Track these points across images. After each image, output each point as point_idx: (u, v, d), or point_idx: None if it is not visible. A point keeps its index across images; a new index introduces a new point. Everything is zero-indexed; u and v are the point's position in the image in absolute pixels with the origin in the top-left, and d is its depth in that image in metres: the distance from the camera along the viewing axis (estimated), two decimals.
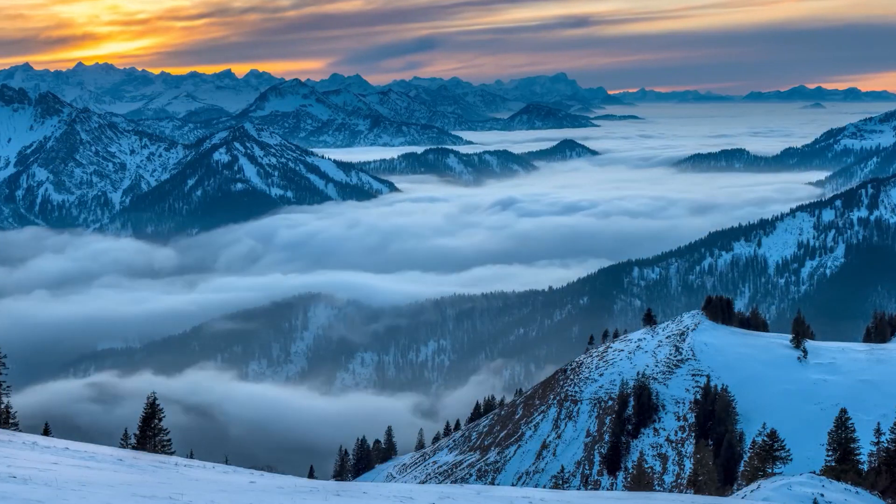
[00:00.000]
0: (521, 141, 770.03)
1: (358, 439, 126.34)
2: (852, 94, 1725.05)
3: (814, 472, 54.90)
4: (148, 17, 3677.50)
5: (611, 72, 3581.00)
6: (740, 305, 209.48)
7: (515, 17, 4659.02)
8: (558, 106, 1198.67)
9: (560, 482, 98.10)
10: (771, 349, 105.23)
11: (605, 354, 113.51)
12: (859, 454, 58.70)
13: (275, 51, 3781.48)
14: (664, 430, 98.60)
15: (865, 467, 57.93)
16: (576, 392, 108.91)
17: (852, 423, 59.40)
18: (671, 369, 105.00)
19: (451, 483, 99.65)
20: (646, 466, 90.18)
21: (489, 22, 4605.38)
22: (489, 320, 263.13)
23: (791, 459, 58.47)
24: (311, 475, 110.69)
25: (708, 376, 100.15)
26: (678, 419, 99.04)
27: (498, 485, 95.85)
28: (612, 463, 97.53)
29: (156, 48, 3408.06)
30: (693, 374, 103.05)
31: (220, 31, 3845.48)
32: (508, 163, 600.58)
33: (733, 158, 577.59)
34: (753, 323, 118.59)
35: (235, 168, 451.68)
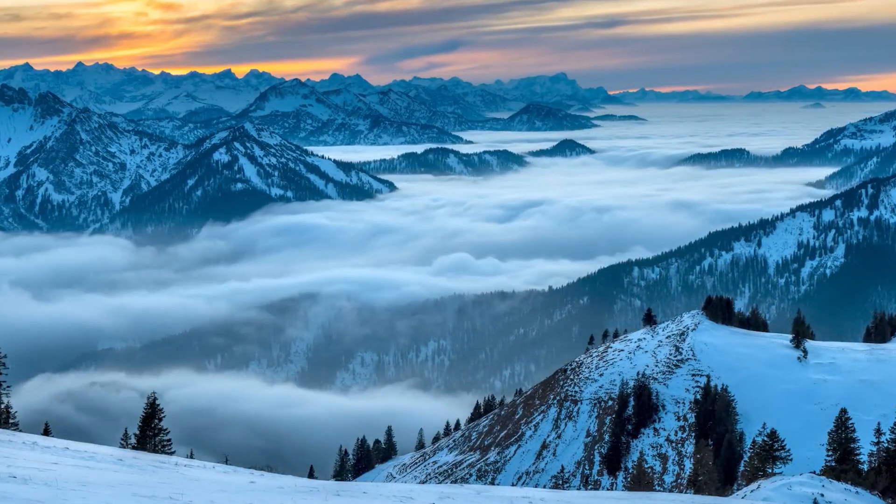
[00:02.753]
0: (521, 141, 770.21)
1: (358, 439, 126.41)
2: (852, 94, 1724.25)
3: (814, 472, 54.91)
4: (198, 15, 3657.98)
5: (611, 72, 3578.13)
6: (740, 305, 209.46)
7: (566, 16, 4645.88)
8: (558, 106, 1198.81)
9: (560, 482, 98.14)
10: (771, 349, 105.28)
11: (605, 354, 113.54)
12: (859, 454, 58.74)
13: (302, 51, 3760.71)
14: (664, 430, 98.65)
15: (865, 467, 57.95)
16: (576, 392, 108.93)
17: (852, 423, 59.43)
18: (671, 369, 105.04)
19: (451, 483, 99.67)
20: (646, 466, 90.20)
21: (536, 20, 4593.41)
22: (489, 320, 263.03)
23: (791, 459, 58.48)
24: (311, 475, 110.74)
25: (708, 376, 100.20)
26: (678, 419, 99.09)
27: (498, 485, 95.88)
28: (612, 463, 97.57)
29: (186, 48, 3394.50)
30: (693, 374, 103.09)
31: (258, 31, 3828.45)
32: (508, 162, 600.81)
33: (733, 158, 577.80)
34: (753, 323, 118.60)
35: (235, 168, 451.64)
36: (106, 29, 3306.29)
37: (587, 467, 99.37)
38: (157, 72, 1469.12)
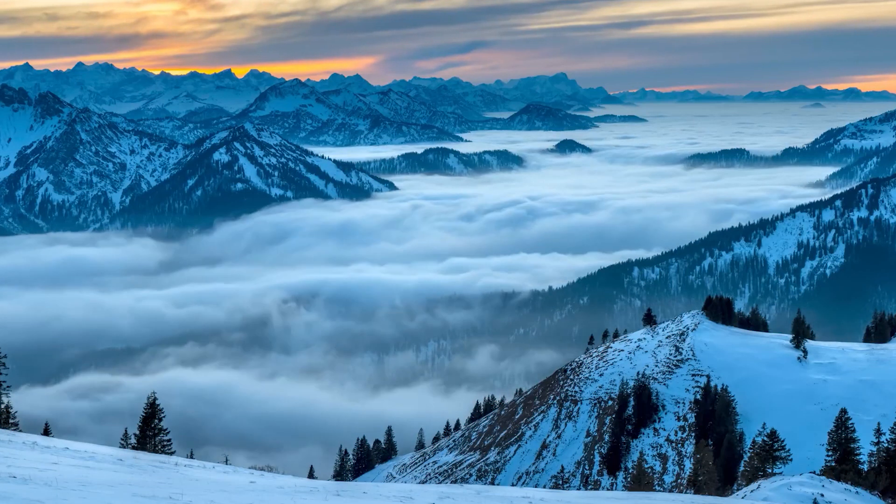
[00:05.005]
0: (521, 141, 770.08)
1: (358, 439, 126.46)
2: (852, 95, 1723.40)
3: (814, 472, 54.94)
4: (237, 14, 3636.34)
5: (611, 72, 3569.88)
6: (740, 305, 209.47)
7: (603, 15, 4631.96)
8: (558, 106, 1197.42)
9: (560, 482, 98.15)
10: (771, 349, 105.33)
11: (605, 354, 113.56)
12: (859, 454, 58.75)
13: (330, 51, 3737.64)
14: (664, 430, 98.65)
15: (865, 467, 57.97)
16: (576, 392, 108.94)
17: (852, 423, 59.45)
18: (671, 369, 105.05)
19: (451, 483, 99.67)
20: (646, 466, 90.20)
21: (574, 20, 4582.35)
22: (489, 320, 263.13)
23: (791, 459, 58.52)
24: (311, 475, 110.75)
25: (708, 376, 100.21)
26: (678, 419, 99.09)
27: (498, 485, 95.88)
28: (612, 463, 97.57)
29: (213, 48, 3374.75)
30: (693, 374, 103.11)
31: (290, 31, 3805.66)
32: (508, 162, 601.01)
33: (733, 158, 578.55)
34: (753, 323, 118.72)
35: (235, 168, 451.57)
36: (136, 28, 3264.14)
37: (587, 467, 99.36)
38: (157, 72, 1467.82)
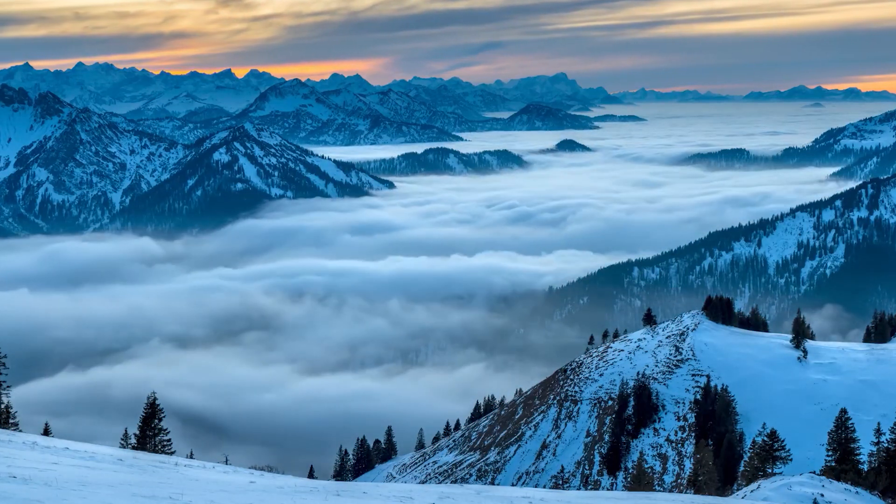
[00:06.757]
0: (521, 140, 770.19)
1: (358, 439, 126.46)
2: (852, 94, 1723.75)
3: (814, 472, 54.95)
4: (267, 14, 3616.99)
5: (611, 72, 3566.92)
6: (740, 305, 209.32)
7: (636, 14, 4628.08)
8: (558, 106, 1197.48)
9: (560, 482, 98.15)
10: (771, 349, 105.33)
11: (605, 354, 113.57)
12: (859, 454, 58.75)
13: (341, 52, 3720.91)
14: (664, 430, 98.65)
15: (865, 467, 57.97)
16: (576, 392, 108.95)
17: (852, 423, 59.45)
18: (671, 369, 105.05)
19: (451, 483, 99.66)
20: (646, 466, 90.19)
21: (607, 19, 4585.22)
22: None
23: (791, 459, 58.54)
24: (311, 475, 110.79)
25: (708, 376, 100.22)
26: (678, 419, 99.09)
27: (498, 485, 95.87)
28: (612, 463, 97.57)
29: (231, 48, 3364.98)
30: (693, 374, 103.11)
31: (317, 31, 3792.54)
32: (508, 162, 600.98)
33: (733, 158, 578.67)
34: (753, 323, 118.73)
35: (235, 168, 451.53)
36: (160, 28, 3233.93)
37: (587, 467, 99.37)
38: (156, 72, 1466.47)
